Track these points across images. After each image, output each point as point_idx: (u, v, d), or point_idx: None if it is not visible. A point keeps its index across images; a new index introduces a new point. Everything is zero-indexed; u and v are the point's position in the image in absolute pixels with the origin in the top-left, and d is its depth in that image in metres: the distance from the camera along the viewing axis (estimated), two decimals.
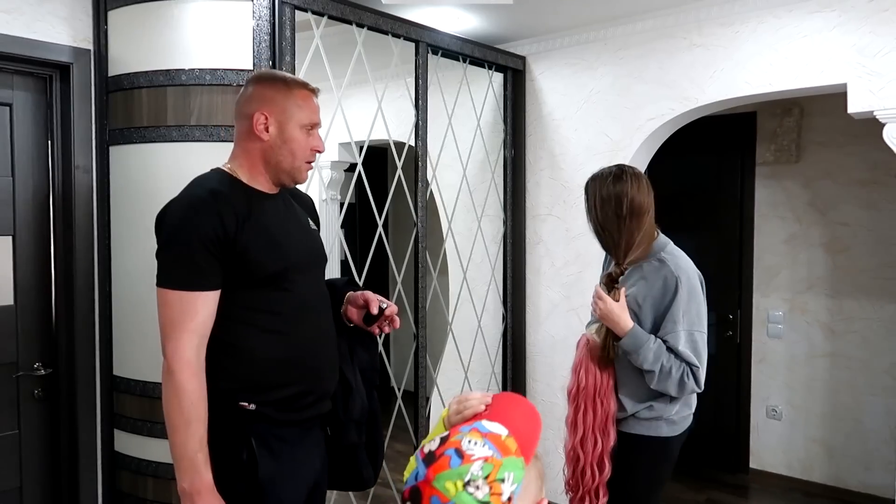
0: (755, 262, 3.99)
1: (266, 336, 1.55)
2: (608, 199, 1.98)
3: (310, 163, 1.63)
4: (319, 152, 1.64)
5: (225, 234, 1.48)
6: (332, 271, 3.45)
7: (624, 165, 2.07)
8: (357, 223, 5.28)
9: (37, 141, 2.39)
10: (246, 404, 1.53)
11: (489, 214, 3.51)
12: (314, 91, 1.63)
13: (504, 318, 3.55)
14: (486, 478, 0.93)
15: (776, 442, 3.95)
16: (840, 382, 3.74)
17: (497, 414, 1.05)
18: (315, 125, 1.62)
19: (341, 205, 4.96)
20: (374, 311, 1.68)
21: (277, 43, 2.30)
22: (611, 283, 1.99)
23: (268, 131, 1.57)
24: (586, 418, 2.01)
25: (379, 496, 3.41)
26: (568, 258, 3.38)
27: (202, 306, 1.46)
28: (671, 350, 1.92)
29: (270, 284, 1.55)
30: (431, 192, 3.07)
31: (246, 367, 1.54)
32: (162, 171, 2.26)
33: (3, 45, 2.21)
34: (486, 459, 0.94)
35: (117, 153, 2.38)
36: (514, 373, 3.56)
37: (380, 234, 2.85)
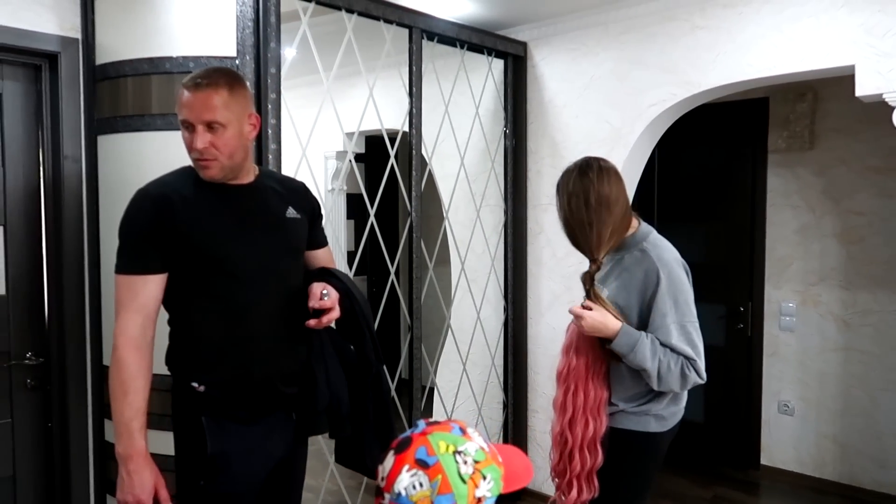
0: (767, 252, 3.88)
1: (209, 318, 1.63)
2: (575, 193, 1.90)
3: (200, 161, 1.59)
4: (197, 150, 1.57)
5: (160, 224, 1.58)
6: (340, 263, 3.43)
7: (591, 158, 1.98)
8: (365, 214, 5.26)
9: (27, 130, 2.39)
10: (196, 385, 1.63)
11: (489, 204, 3.45)
12: (188, 86, 1.57)
13: (505, 309, 3.50)
14: (476, 462, 0.94)
15: (787, 438, 3.85)
16: (854, 377, 3.63)
17: (500, 449, 1.06)
18: (186, 122, 1.58)
19: (348, 195, 4.95)
20: (312, 305, 1.64)
21: (262, 29, 2.27)
22: (590, 280, 1.92)
23: None
24: (576, 400, 1.93)
25: (372, 485, 3.38)
26: (570, 248, 3.21)
27: (142, 288, 1.58)
28: (665, 346, 1.85)
29: (215, 270, 1.61)
30: (434, 181, 3.03)
31: (192, 346, 1.65)
32: (147, 160, 2.25)
33: None
34: (482, 448, 0.97)
35: (105, 142, 2.37)
36: (514, 365, 3.51)
37: (372, 224, 2.81)
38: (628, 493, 2.00)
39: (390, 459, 0.96)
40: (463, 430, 0.98)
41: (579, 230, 1.91)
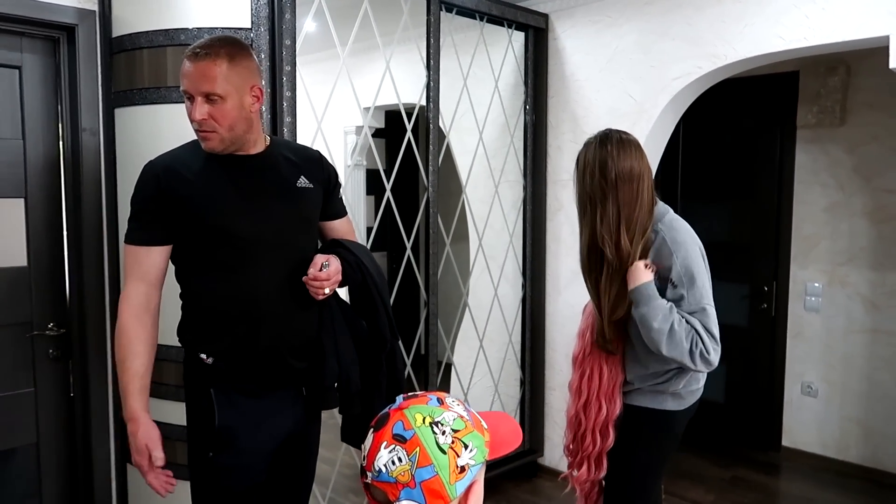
0: (793, 231, 3.78)
1: (216, 289, 1.63)
2: (591, 165, 1.84)
3: (200, 132, 1.57)
4: (195, 122, 1.56)
5: (164, 196, 1.59)
6: (359, 239, 3.42)
7: (611, 129, 1.92)
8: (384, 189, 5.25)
9: (46, 103, 2.41)
10: (204, 357, 1.65)
11: (508, 180, 3.41)
12: (188, 56, 1.54)
13: (523, 286, 3.47)
14: (455, 431, 0.92)
15: (811, 419, 3.78)
16: (880, 359, 3.54)
17: (482, 414, 1.04)
18: (186, 93, 1.56)
19: (368, 171, 4.93)
20: (309, 274, 1.61)
21: (277, 0, 2.24)
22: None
23: None
24: (591, 384, 1.94)
25: None
26: None
27: (146, 258, 1.62)
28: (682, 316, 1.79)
29: (220, 241, 1.61)
30: (452, 156, 2.99)
31: (199, 318, 1.66)
32: (163, 132, 2.24)
33: (8, 6, 2.22)
34: (461, 417, 0.94)
35: (122, 115, 2.37)
36: (532, 343, 3.49)
37: (388, 199, 2.79)
38: (641, 470, 1.98)
39: (370, 437, 0.95)
40: (441, 401, 0.96)
41: (592, 206, 1.85)
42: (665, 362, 1.84)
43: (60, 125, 2.43)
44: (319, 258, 1.64)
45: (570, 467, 2.05)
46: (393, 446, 0.91)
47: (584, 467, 1.97)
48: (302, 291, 1.65)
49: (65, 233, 2.47)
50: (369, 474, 0.92)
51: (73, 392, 2.52)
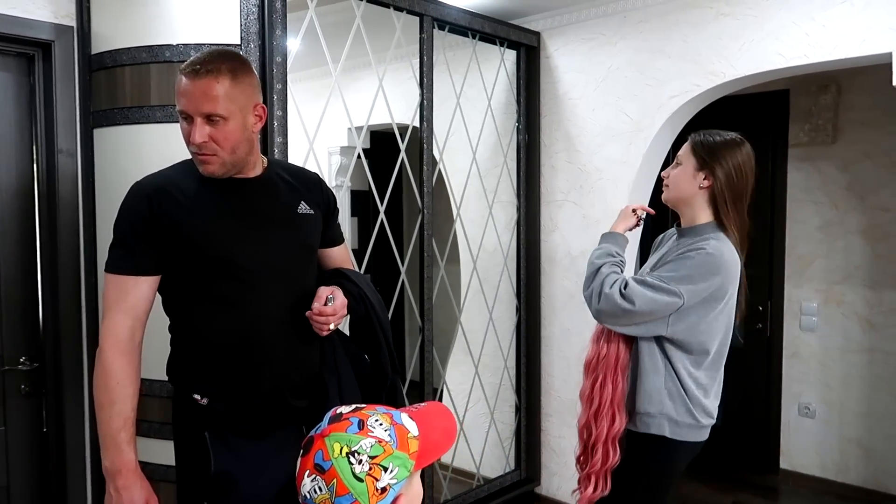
0: (787, 250, 3.75)
1: (214, 324, 1.50)
2: (744, 163, 1.93)
3: (199, 155, 1.44)
4: (194, 145, 1.43)
5: (156, 220, 1.46)
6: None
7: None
8: (370, 211, 5.16)
9: (19, 124, 2.27)
10: (198, 398, 1.51)
11: (502, 200, 3.33)
12: (186, 73, 1.41)
13: (517, 309, 3.38)
14: (372, 458, 0.96)
15: (809, 441, 3.72)
16: (879, 379, 3.50)
17: (421, 416, 1.06)
18: (184, 113, 1.42)
19: (353, 192, 4.82)
20: (312, 309, 1.50)
21: (267, 16, 2.15)
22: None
23: None
24: (604, 391, 1.87)
25: None
26: (585, 246, 3.19)
27: (133, 288, 1.47)
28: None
29: (220, 272, 1.49)
30: (444, 177, 2.91)
31: (194, 355, 1.53)
32: (146, 154, 2.12)
33: None
34: (379, 441, 0.97)
35: (101, 136, 2.25)
36: (528, 367, 3.39)
37: (381, 222, 2.69)
38: (636, 495, 1.92)
39: (298, 461, 0.99)
40: (362, 425, 0.98)
41: (737, 200, 1.88)
42: (652, 384, 1.83)
43: (35, 147, 2.30)
44: (324, 291, 1.53)
45: (579, 482, 1.96)
46: (314, 476, 0.96)
47: (592, 485, 1.89)
48: (304, 325, 1.54)
49: (38, 261, 2.32)
50: (299, 497, 0.98)
51: (46, 428, 2.36)
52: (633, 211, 2.05)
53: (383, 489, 0.95)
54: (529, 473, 3.41)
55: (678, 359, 1.82)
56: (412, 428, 1.02)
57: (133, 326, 1.47)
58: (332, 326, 1.52)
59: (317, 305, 1.50)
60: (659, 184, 3.19)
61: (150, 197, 1.46)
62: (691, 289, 1.75)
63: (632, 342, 1.87)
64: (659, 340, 1.82)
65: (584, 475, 1.91)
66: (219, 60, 1.42)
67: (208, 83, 1.39)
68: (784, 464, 3.81)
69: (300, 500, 0.99)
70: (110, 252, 1.50)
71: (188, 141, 1.44)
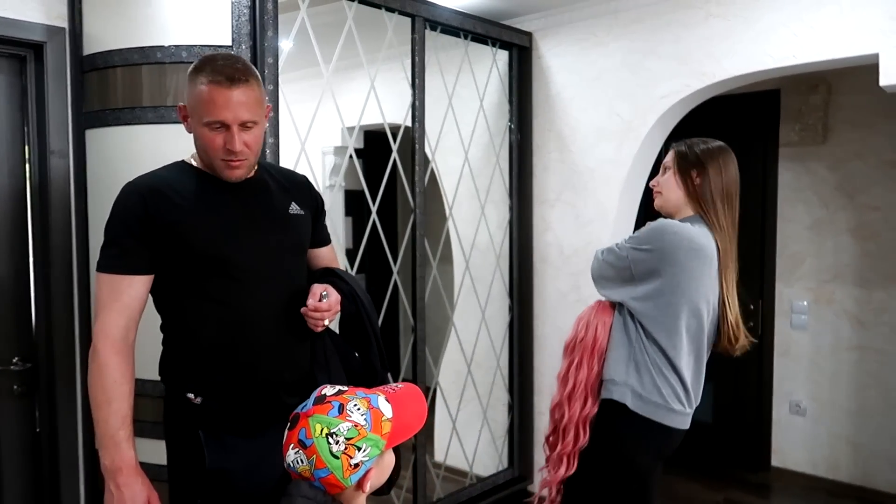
0: (778, 249, 3.77)
1: (208, 323, 1.51)
2: (733, 165, 1.95)
3: (228, 161, 1.46)
4: (232, 153, 1.44)
5: (150, 220, 1.46)
6: (339, 260, 3.32)
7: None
8: (364, 211, 5.15)
9: (11, 125, 2.28)
10: (192, 397, 1.52)
11: (494, 200, 3.35)
12: (220, 83, 1.40)
13: (510, 308, 3.39)
14: (348, 439, 1.10)
15: (800, 439, 3.75)
16: (868, 376, 3.53)
17: (397, 398, 1.18)
18: (219, 123, 1.42)
19: (347, 192, 4.83)
20: (307, 305, 1.52)
21: (258, 17, 2.15)
22: None
23: (187, 122, 1.50)
24: (579, 373, 1.92)
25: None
26: (577, 246, 3.21)
27: (127, 288, 1.47)
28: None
29: (215, 271, 1.50)
30: (436, 176, 2.92)
31: (188, 354, 1.53)
32: (138, 155, 2.13)
33: None
34: (356, 426, 1.11)
35: (93, 137, 2.25)
36: (521, 367, 3.41)
37: (374, 221, 2.70)
38: (601, 472, 1.94)
39: (286, 433, 1.14)
40: (342, 409, 1.12)
41: (725, 201, 1.92)
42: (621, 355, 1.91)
43: (27, 147, 2.30)
44: (317, 288, 1.54)
45: (547, 461, 2.00)
46: (297, 449, 1.12)
47: (563, 466, 1.93)
48: (296, 323, 1.56)
49: (31, 261, 2.33)
50: (285, 464, 1.14)
51: (38, 428, 2.36)
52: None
53: (356, 465, 1.10)
54: (522, 472, 3.43)
55: (651, 333, 1.85)
56: (387, 411, 1.14)
57: (127, 326, 1.48)
58: (326, 322, 1.54)
59: (312, 301, 1.51)
60: (649, 181, 3.22)
61: (145, 197, 1.46)
62: (636, 251, 1.86)
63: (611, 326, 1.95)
64: (631, 314, 1.89)
65: (556, 456, 1.95)
66: (243, 67, 1.44)
67: (245, 91, 1.41)
68: (775, 461, 3.83)
69: (285, 467, 1.14)
70: (103, 252, 1.50)
71: (219, 149, 1.44)
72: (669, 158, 1.97)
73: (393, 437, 1.14)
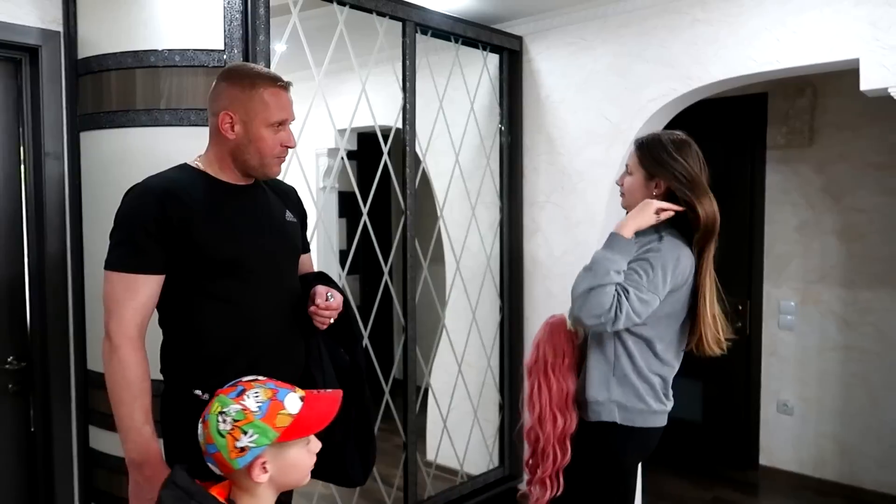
0: (765, 250, 3.83)
1: (216, 322, 1.57)
2: (701, 160, 1.96)
3: (280, 157, 1.63)
4: (290, 148, 1.63)
5: (167, 221, 1.51)
6: (331, 262, 3.36)
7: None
8: (358, 212, 5.16)
9: (7, 128, 2.31)
10: (200, 393, 1.54)
11: (485, 202, 3.38)
12: (283, 86, 1.59)
13: (500, 309, 3.43)
14: (235, 421, 1.16)
15: (787, 438, 3.80)
16: (854, 376, 3.58)
17: (313, 399, 1.24)
18: (283, 122, 1.59)
19: (341, 193, 4.86)
20: (317, 305, 1.61)
21: (250, 21, 2.19)
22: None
23: (234, 130, 1.57)
24: (541, 395, 1.93)
25: (367, 489, 3.31)
26: (567, 247, 3.25)
27: (143, 287, 1.51)
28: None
29: (224, 272, 1.56)
30: (427, 178, 2.96)
31: (195, 352, 1.58)
32: (132, 157, 2.17)
33: None
34: (244, 409, 1.17)
35: (87, 139, 2.29)
36: (511, 366, 3.44)
37: (364, 223, 2.74)
38: (588, 491, 1.95)
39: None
40: (241, 393, 1.19)
41: (693, 194, 1.87)
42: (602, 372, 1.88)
43: (22, 149, 2.33)
44: (322, 289, 1.63)
45: (529, 484, 2.02)
46: (200, 423, 1.21)
47: (548, 487, 1.93)
48: (294, 322, 1.65)
49: (26, 262, 2.36)
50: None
51: (33, 427, 2.39)
52: (656, 212, 1.86)
53: (242, 448, 1.15)
54: (513, 470, 3.46)
55: (630, 345, 1.86)
56: (292, 407, 1.19)
57: (141, 324, 1.52)
58: (331, 321, 1.63)
59: (321, 301, 1.60)
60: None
61: (161, 198, 1.51)
62: (658, 287, 1.81)
63: (569, 343, 1.93)
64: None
65: (538, 479, 1.95)
66: (276, 73, 1.63)
67: (289, 94, 1.62)
68: (763, 460, 3.88)
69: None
70: (114, 251, 1.53)
71: (276, 146, 1.59)
72: (632, 162, 1.95)
73: (292, 431, 1.18)
